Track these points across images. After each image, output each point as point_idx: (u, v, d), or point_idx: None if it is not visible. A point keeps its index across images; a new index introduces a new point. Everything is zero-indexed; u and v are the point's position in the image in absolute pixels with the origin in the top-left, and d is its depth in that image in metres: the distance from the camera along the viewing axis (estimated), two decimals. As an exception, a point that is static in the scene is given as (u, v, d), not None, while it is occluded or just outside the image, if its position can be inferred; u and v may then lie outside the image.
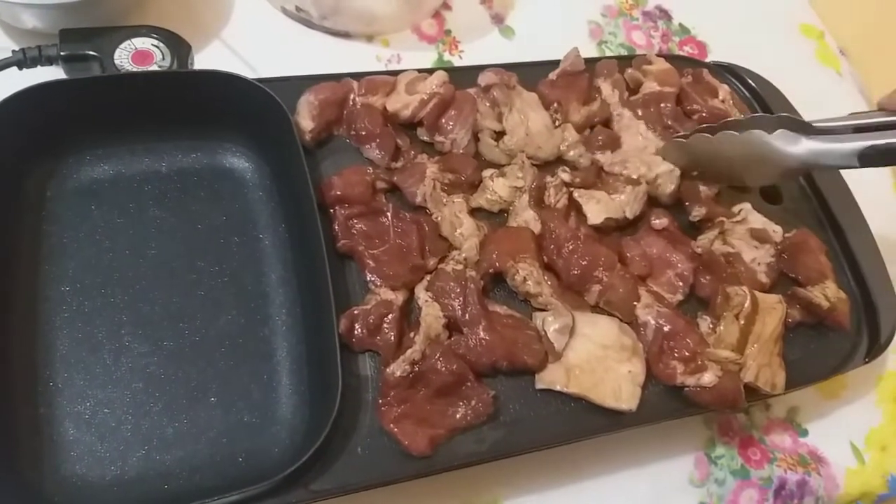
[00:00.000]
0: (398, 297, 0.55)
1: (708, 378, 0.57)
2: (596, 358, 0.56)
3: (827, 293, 0.64)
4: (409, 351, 0.53)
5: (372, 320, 0.53)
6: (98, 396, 0.51)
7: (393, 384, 0.52)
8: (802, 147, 0.57)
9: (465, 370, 0.53)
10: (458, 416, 0.53)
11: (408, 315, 0.56)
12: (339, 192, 0.58)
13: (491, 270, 0.58)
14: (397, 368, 0.52)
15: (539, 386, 0.56)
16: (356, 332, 0.53)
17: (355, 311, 0.54)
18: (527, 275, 0.57)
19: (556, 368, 0.56)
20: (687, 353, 0.57)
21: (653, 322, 0.58)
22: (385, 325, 0.54)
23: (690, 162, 0.64)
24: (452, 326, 0.56)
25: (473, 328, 0.54)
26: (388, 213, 0.58)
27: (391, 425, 0.51)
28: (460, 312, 0.55)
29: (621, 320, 0.59)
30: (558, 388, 0.55)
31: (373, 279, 0.56)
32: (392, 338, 0.53)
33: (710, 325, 0.60)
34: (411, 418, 0.52)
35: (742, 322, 0.59)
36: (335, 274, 0.54)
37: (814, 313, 0.64)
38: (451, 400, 0.53)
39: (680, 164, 0.64)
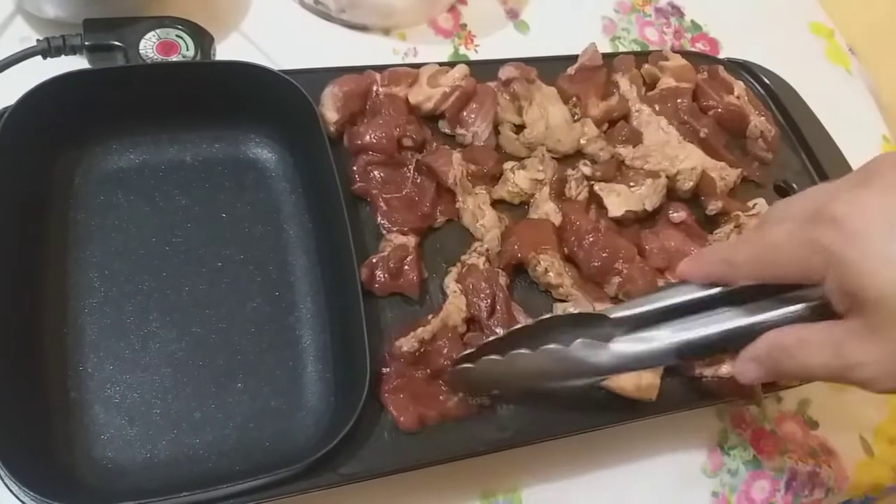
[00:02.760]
0: (411, 240, 0.57)
1: (726, 369, 0.57)
2: (617, 348, 0.57)
3: None
4: (421, 329, 0.54)
5: (393, 265, 0.55)
6: (127, 381, 0.52)
7: (397, 356, 0.53)
8: (608, 355, 0.47)
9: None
10: (450, 403, 0.53)
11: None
12: (362, 142, 0.59)
13: (513, 262, 0.59)
14: (405, 343, 0.53)
15: None
16: (378, 278, 0.55)
17: (374, 260, 0.55)
18: (548, 266, 0.58)
19: (577, 357, 0.56)
20: None
21: (671, 314, 0.59)
22: (406, 267, 0.55)
23: (484, 386, 0.54)
24: (474, 322, 0.56)
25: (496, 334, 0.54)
26: (411, 167, 0.60)
27: (386, 395, 0.52)
28: (486, 315, 0.55)
29: (640, 312, 0.60)
30: None
31: (383, 223, 0.58)
32: (414, 277, 0.55)
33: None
34: (406, 392, 0.52)
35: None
36: (361, 262, 0.55)
37: None
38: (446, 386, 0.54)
39: (471, 390, 0.54)
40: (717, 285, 0.46)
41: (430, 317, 0.55)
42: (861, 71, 0.97)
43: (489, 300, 0.55)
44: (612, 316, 0.48)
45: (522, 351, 0.48)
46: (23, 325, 0.51)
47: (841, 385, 0.72)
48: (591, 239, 0.59)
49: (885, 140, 0.92)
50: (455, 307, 0.56)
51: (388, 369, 0.53)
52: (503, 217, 0.61)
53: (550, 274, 0.58)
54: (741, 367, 0.45)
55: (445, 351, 0.53)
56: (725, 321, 0.45)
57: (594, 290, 0.59)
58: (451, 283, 0.57)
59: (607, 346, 0.47)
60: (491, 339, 0.51)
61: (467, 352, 0.51)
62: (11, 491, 0.44)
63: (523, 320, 0.56)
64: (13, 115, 0.52)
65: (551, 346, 0.47)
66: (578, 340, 0.47)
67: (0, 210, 0.51)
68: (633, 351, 0.47)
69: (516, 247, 0.59)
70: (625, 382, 0.56)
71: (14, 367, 0.48)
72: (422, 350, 0.54)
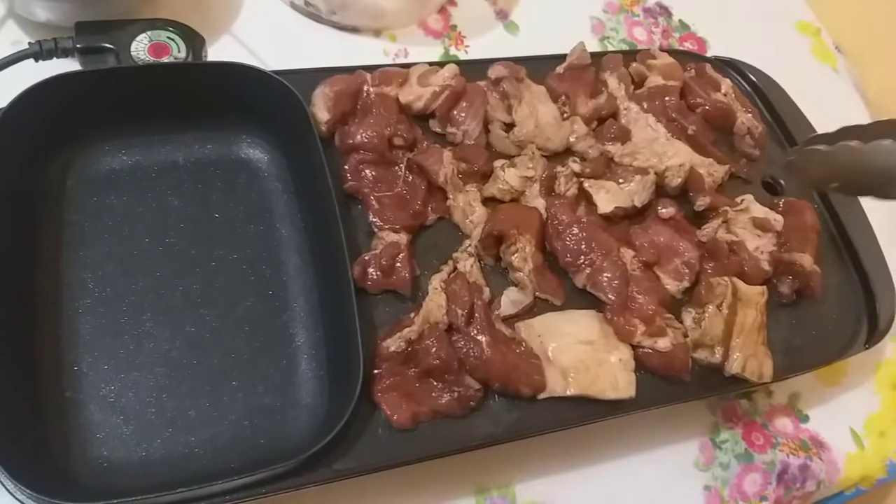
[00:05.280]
0: (402, 238, 0.58)
1: (662, 343, 0.58)
2: (586, 355, 0.57)
3: (804, 262, 0.66)
4: (406, 330, 0.54)
5: (385, 262, 0.56)
6: (122, 380, 0.52)
7: (386, 357, 0.54)
8: None
9: (452, 358, 0.54)
10: (442, 400, 0.54)
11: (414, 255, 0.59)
12: (354, 141, 0.60)
13: (493, 232, 0.59)
14: (392, 343, 0.54)
15: (541, 397, 0.56)
16: (370, 276, 0.56)
17: (366, 257, 0.56)
18: (520, 248, 0.59)
19: (553, 374, 0.56)
20: (650, 311, 0.58)
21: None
22: (398, 265, 0.56)
23: (830, 173, 0.54)
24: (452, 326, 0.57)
25: (476, 339, 0.55)
26: (402, 165, 0.61)
27: (379, 394, 0.52)
28: (463, 322, 0.55)
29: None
30: (558, 393, 0.56)
31: (374, 221, 0.59)
32: (406, 275, 0.56)
33: (695, 319, 0.61)
34: (398, 391, 0.53)
35: (726, 312, 0.60)
36: (354, 260, 0.55)
37: (796, 275, 0.66)
38: (438, 384, 0.54)
39: (817, 174, 0.54)
40: None
41: (412, 315, 0.56)
42: (847, 69, 0.99)
43: (467, 308, 0.56)
44: None
45: (886, 142, 0.48)
46: (17, 325, 0.51)
47: (832, 378, 0.74)
48: (573, 231, 0.60)
49: (871, 137, 0.93)
50: (435, 304, 0.56)
51: (379, 370, 0.53)
52: (493, 214, 0.62)
53: (516, 256, 0.59)
54: None
55: (434, 351, 0.54)
56: None
57: (548, 284, 0.60)
58: (434, 281, 0.57)
59: None
60: (854, 125, 0.50)
61: (816, 136, 0.52)
62: (7, 489, 0.45)
63: (504, 329, 0.57)
64: (5, 118, 0.53)
65: None
66: None
67: (-6, 212, 0.51)
68: None
69: (502, 217, 0.59)
70: (602, 386, 0.56)
71: (9, 366, 0.49)
72: (409, 349, 0.54)
